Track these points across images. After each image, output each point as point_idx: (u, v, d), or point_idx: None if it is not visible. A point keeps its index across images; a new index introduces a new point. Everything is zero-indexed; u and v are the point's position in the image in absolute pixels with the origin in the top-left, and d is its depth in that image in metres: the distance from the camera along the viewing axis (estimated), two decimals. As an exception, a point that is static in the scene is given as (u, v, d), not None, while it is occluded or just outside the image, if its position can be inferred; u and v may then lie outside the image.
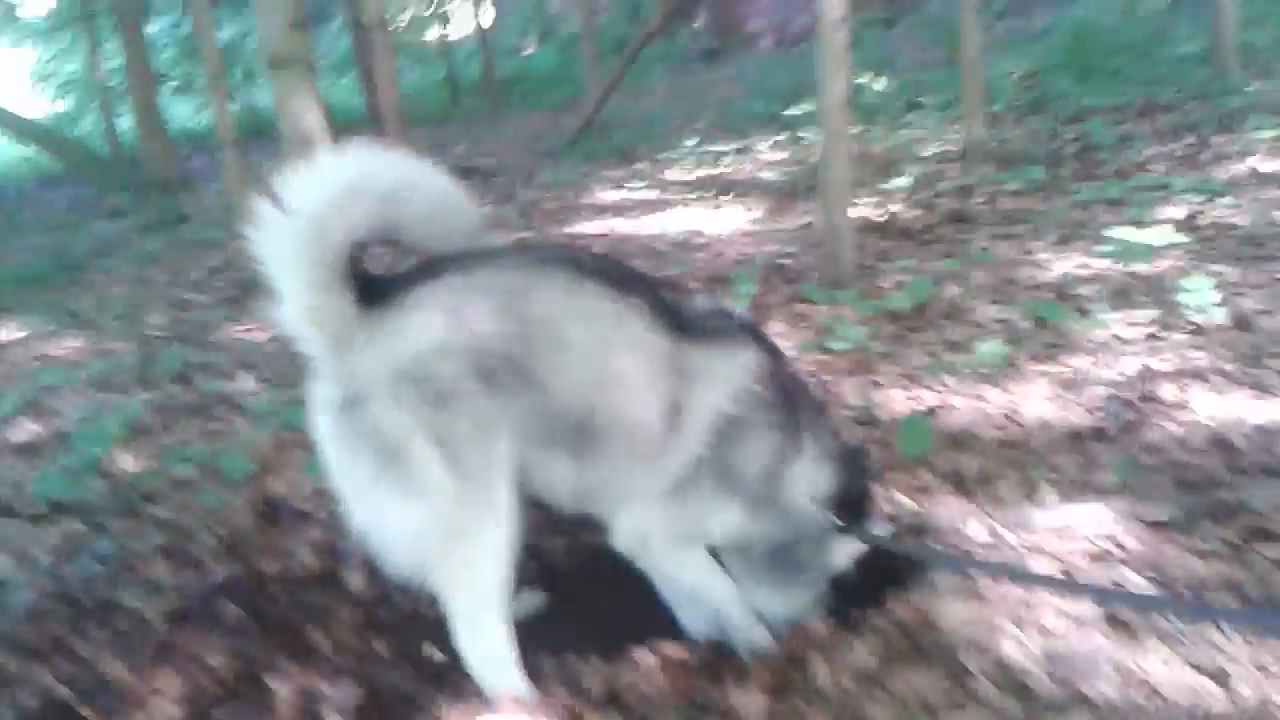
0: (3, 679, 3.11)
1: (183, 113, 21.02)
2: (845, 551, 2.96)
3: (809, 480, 2.88)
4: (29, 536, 4.11)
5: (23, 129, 16.35)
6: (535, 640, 2.90)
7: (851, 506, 2.93)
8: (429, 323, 2.53)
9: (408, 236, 2.67)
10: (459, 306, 2.54)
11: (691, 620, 3.00)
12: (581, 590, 3.26)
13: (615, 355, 2.65)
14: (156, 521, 4.02)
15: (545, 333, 2.58)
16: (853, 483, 2.96)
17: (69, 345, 7.25)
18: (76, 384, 6.02)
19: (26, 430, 5.49)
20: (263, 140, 12.58)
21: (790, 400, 2.87)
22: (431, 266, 2.63)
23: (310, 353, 2.57)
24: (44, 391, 5.99)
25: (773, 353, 2.93)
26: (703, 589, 2.94)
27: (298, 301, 2.48)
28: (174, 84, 21.00)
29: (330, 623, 3.15)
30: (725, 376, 2.75)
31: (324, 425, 2.58)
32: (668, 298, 2.78)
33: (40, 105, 22.49)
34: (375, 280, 2.59)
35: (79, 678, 3.06)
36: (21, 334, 7.76)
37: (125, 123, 17.57)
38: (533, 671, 2.78)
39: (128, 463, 4.74)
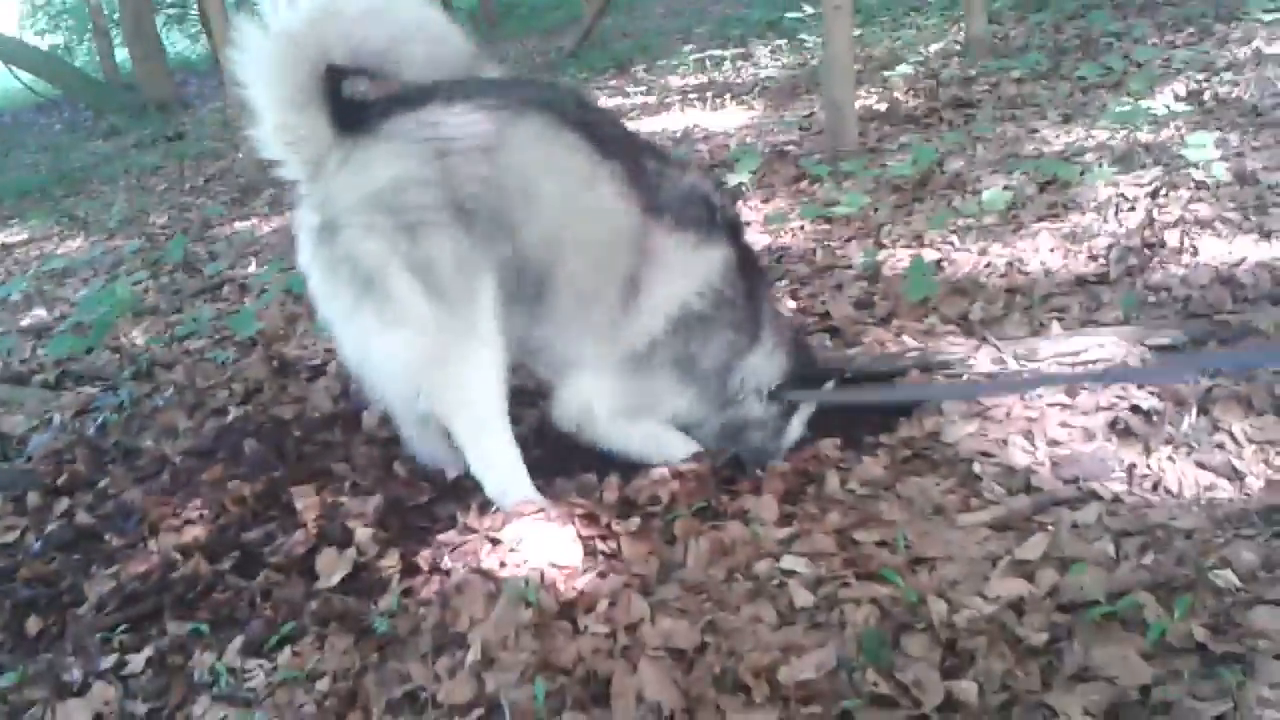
0: (30, 510, 3.18)
1: (178, 42, 20.80)
2: (797, 422, 3.04)
3: (762, 370, 2.95)
4: (45, 400, 4.15)
5: (19, 55, 16.20)
6: (554, 464, 2.98)
7: (804, 381, 3.00)
8: (404, 152, 2.51)
9: (389, 63, 2.61)
10: (436, 139, 2.52)
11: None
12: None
13: (579, 215, 2.66)
14: (170, 382, 4.06)
15: (516, 181, 2.57)
16: (803, 361, 3.04)
17: (72, 244, 7.27)
18: (83, 271, 6.04)
19: (34, 315, 5.53)
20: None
21: (752, 297, 2.91)
22: (411, 96, 2.59)
23: (289, 176, 2.58)
24: (49, 279, 6.03)
25: (744, 249, 2.94)
26: (653, 454, 2.95)
27: (273, 119, 2.48)
28: (169, 13, 20.72)
29: (349, 454, 3.20)
30: (691, 270, 2.78)
31: (305, 252, 2.60)
32: (652, 169, 2.76)
33: (31, 39, 22.20)
34: (355, 107, 2.57)
35: (103, 509, 3.12)
36: (24, 236, 7.78)
37: (121, 54, 17.45)
38: (550, 487, 2.85)
39: (137, 337, 4.78)
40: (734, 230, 2.93)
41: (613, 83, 10.58)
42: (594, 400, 2.86)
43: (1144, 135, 5.10)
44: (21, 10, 25.88)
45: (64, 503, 3.18)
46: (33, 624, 2.58)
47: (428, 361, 2.58)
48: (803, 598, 2.26)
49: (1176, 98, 5.63)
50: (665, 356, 2.83)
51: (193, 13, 20.82)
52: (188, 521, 2.93)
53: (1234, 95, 5.64)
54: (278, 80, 2.45)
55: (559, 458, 3.01)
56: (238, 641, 2.35)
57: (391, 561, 2.56)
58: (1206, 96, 5.68)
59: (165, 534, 2.87)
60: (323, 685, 2.17)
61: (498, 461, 2.72)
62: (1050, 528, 2.41)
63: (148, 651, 2.40)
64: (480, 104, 2.58)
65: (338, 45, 2.46)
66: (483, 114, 2.57)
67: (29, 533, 3.07)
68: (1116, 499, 2.49)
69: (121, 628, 2.50)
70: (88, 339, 4.41)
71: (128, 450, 3.45)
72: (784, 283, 4.22)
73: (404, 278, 2.50)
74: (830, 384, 3.03)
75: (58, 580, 2.77)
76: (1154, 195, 4.35)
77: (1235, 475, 2.49)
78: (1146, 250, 3.85)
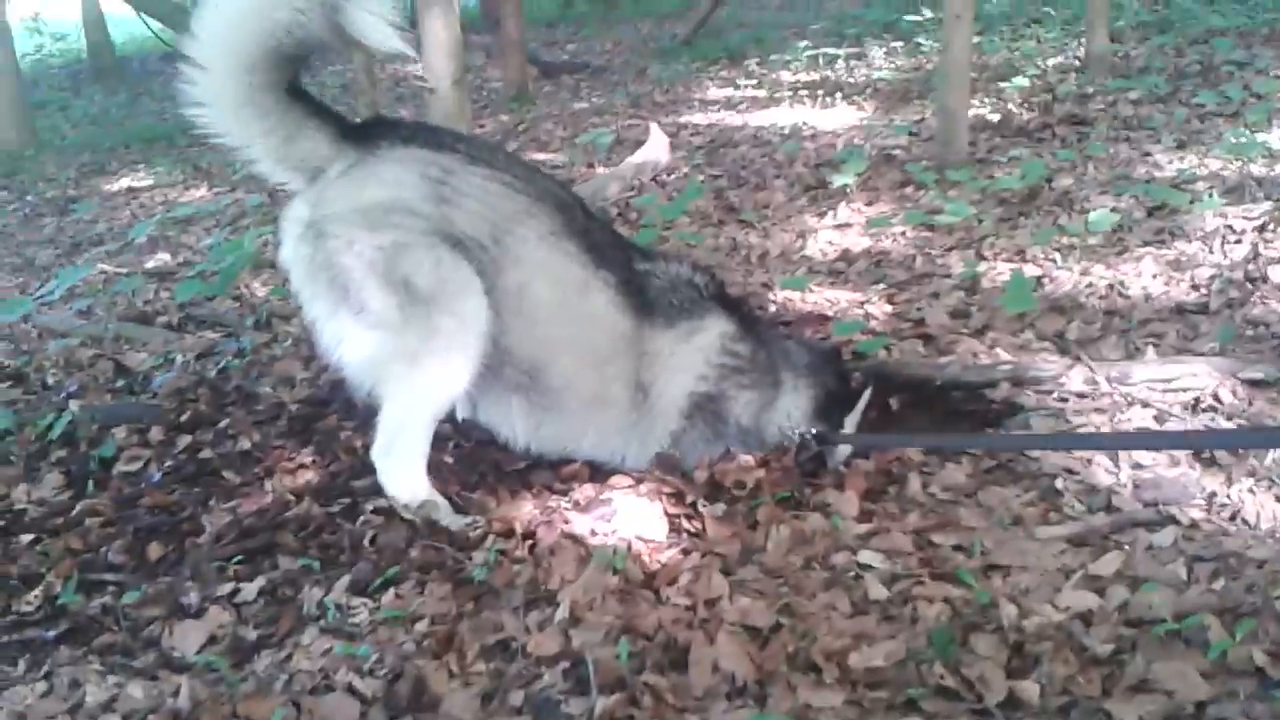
0: (153, 444, 3.39)
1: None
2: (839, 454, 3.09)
3: (793, 409, 3.01)
4: (168, 341, 4.40)
5: (150, 4, 16.71)
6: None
7: (837, 402, 3.06)
8: (406, 181, 2.66)
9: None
10: (443, 187, 2.66)
11: None
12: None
13: (575, 320, 2.81)
14: (288, 334, 4.27)
15: (513, 273, 2.71)
16: (835, 382, 3.10)
17: (195, 194, 7.59)
18: (206, 220, 6.32)
19: (159, 258, 5.81)
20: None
21: (762, 350, 3.00)
22: (429, 130, 2.79)
23: (279, 180, 2.79)
24: (175, 226, 6.32)
25: (737, 309, 3.05)
26: None
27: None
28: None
29: (453, 415, 3.36)
30: (691, 359, 2.90)
31: (287, 247, 2.75)
32: (641, 271, 2.90)
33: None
34: (362, 124, 2.76)
35: (223, 448, 3.32)
36: (149, 181, 8.12)
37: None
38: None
39: (257, 288, 5.02)
40: (722, 299, 3.04)
41: (724, 73, 10.65)
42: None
43: (1257, 168, 5.05)
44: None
45: (186, 439, 3.39)
46: (154, 549, 2.79)
47: (392, 360, 2.70)
48: (877, 591, 2.37)
49: (1296, 132, 5.56)
50: (692, 440, 2.96)
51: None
52: (301, 465, 3.13)
53: (1357, 135, 5.55)
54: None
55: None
56: (344, 580, 2.52)
57: (490, 518, 2.72)
58: (1328, 133, 5.60)
59: (281, 475, 3.07)
60: (421, 627, 2.33)
61: (405, 465, 2.79)
62: (1126, 547, 2.48)
63: (260, 582, 2.58)
64: (501, 175, 2.74)
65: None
66: (501, 187, 2.73)
67: (152, 464, 3.29)
68: (1194, 524, 2.54)
69: (237, 559, 2.69)
70: (213, 286, 4.64)
71: (247, 394, 3.66)
72: (881, 287, 4.29)
73: (379, 292, 2.64)
74: (866, 394, 3.10)
75: (178, 510, 2.98)
76: (1261, 229, 4.33)
77: (1312, 511, 2.53)
78: (1249, 284, 3.85)
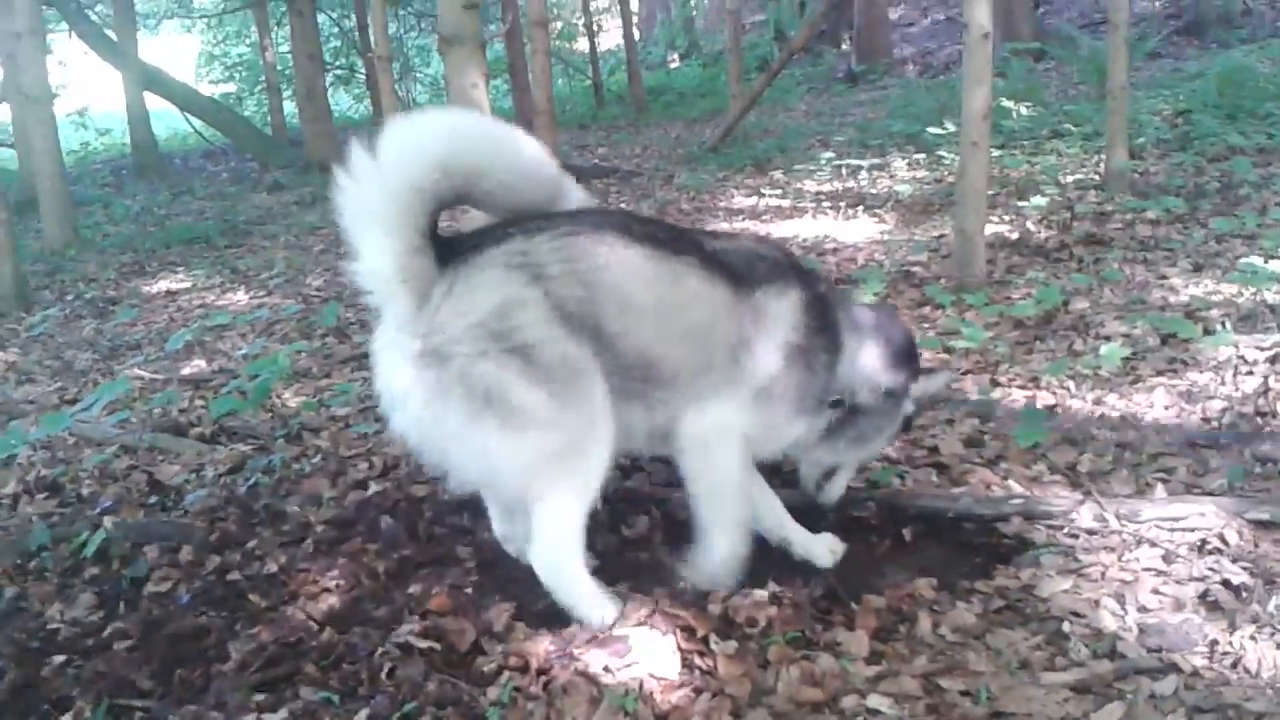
0: (182, 565, 3.49)
1: (342, 101, 21.94)
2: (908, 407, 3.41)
3: (852, 373, 3.23)
4: (200, 454, 4.52)
5: (191, 102, 17.29)
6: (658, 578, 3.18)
7: (903, 355, 3.33)
8: (504, 279, 2.74)
9: (492, 199, 2.87)
10: (528, 264, 2.75)
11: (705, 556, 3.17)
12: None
13: (677, 311, 2.92)
14: (317, 448, 4.39)
15: (609, 295, 2.82)
16: (897, 340, 3.34)
17: (231, 298, 7.79)
18: (241, 327, 6.50)
19: (195, 365, 5.97)
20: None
21: (831, 314, 3.18)
22: (495, 230, 2.85)
23: (388, 308, 2.76)
24: (211, 333, 6.49)
25: (810, 278, 3.21)
26: (726, 499, 3.10)
27: (390, 259, 2.66)
28: (337, 73, 21.88)
29: (474, 540, 3.45)
30: (784, 314, 3.04)
31: (403, 377, 2.75)
32: (715, 250, 3.05)
33: (205, 88, 23.64)
34: (446, 241, 2.81)
35: (250, 569, 3.41)
36: (188, 284, 8.35)
37: (289, 107, 18.53)
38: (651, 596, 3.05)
39: (289, 400, 5.16)
40: (797, 269, 3.21)
41: (749, 181, 10.88)
42: (730, 419, 3.04)
43: (1271, 295, 5.13)
44: (199, 57, 27.66)
45: (215, 559, 3.49)
46: (182, 674, 2.87)
47: (550, 458, 2.77)
48: (884, 737, 2.41)
49: (1311, 259, 5.64)
50: (782, 387, 3.05)
51: (359, 74, 21.99)
52: (325, 590, 3.21)
53: (1371, 262, 5.62)
54: (398, 222, 2.64)
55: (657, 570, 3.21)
56: (363, 714, 2.58)
57: (504, 653, 2.78)
58: (1342, 261, 5.68)
59: (305, 600, 3.15)
60: (437, 765, 2.39)
61: (566, 533, 2.87)
62: (1129, 695, 2.52)
63: (283, 714, 2.64)
64: (559, 231, 2.84)
65: (453, 186, 2.70)
66: (565, 239, 2.82)
67: (181, 585, 3.39)
68: (1196, 673, 2.58)
69: (260, 688, 2.76)
70: (247, 401, 4.78)
71: (275, 513, 3.77)
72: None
73: (524, 388, 2.70)
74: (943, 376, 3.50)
75: (205, 635, 3.06)
76: (1273, 360, 4.39)
77: (1314, 663, 2.57)
78: (1259, 418, 3.91)
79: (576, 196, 3.07)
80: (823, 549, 3.30)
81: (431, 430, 2.78)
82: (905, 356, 3.33)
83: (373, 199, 2.63)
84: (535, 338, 2.72)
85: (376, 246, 2.66)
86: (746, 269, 3.05)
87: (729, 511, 3.10)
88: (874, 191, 9.48)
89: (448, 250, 2.76)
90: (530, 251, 2.78)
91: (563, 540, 2.86)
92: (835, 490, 3.47)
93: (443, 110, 2.88)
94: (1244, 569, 2.98)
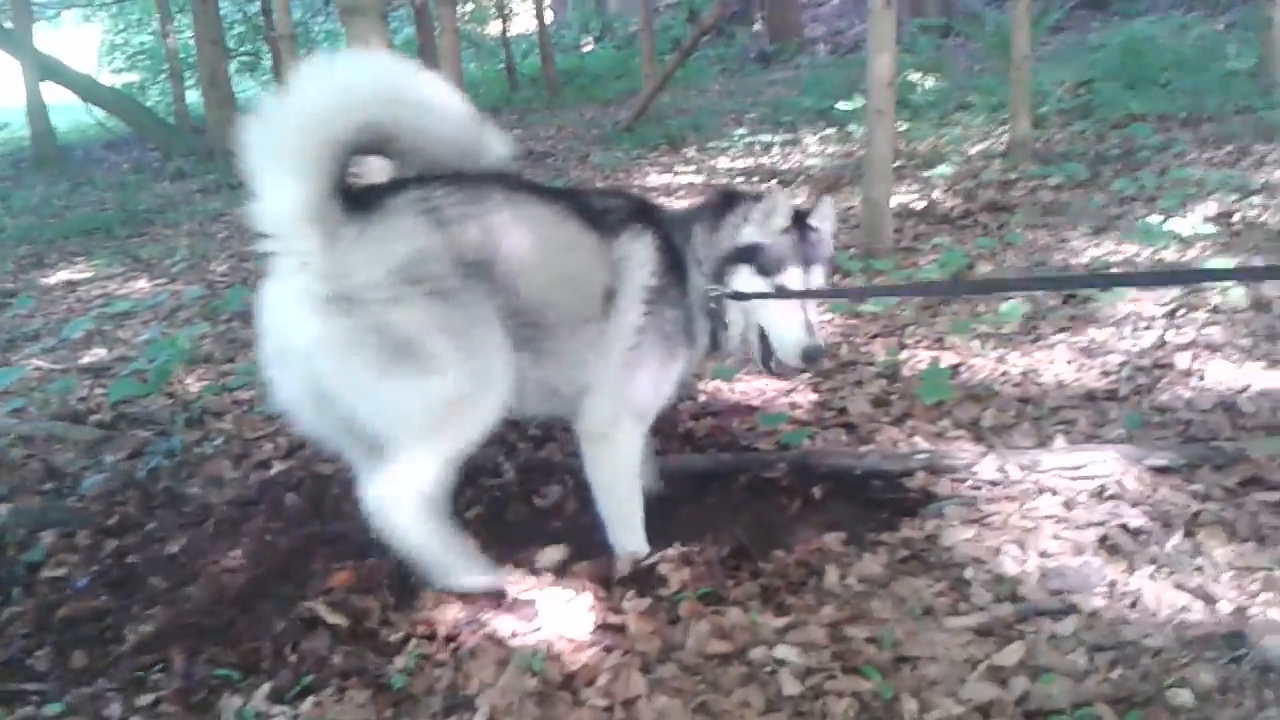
0: (79, 549, 3.39)
1: (247, 88, 21.45)
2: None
3: (697, 269, 3.16)
4: (99, 440, 4.39)
5: (92, 92, 16.78)
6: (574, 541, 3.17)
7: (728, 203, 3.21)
8: (416, 226, 2.72)
9: (407, 143, 2.82)
10: (436, 213, 2.76)
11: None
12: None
13: (560, 255, 2.95)
14: (220, 431, 4.29)
15: (503, 238, 2.83)
16: (717, 201, 3.25)
17: (134, 286, 7.59)
18: (143, 314, 6.33)
19: (94, 354, 5.81)
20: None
21: (672, 245, 3.13)
22: (396, 181, 2.87)
23: (288, 254, 2.66)
24: (111, 320, 6.32)
25: (655, 214, 3.19)
26: (618, 490, 3.12)
27: (297, 199, 2.58)
28: (242, 59, 21.40)
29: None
30: (643, 258, 3.03)
31: (311, 328, 2.64)
32: (581, 198, 3.09)
33: (107, 78, 22.97)
34: (356, 189, 2.79)
35: (149, 551, 3.33)
36: (89, 274, 8.12)
37: (192, 96, 18.09)
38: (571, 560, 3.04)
39: (191, 384, 5.03)
40: (646, 208, 3.20)
41: (663, 159, 10.87)
42: (618, 410, 3.05)
43: (1169, 254, 5.26)
44: (101, 47, 26.90)
45: (113, 543, 3.39)
46: (78, 658, 2.78)
47: (449, 405, 2.73)
48: (791, 686, 2.42)
49: (1206, 218, 5.78)
50: (648, 335, 3.03)
51: (265, 59, 21.52)
52: (226, 570, 3.14)
53: (1262, 220, 5.79)
54: (306, 158, 2.57)
55: (579, 535, 3.20)
56: (265, 688, 2.53)
57: (412, 623, 2.75)
58: (1235, 219, 5.84)
59: (206, 580, 3.08)
60: (340, 735, 2.35)
61: (421, 478, 2.79)
62: (1030, 636, 2.56)
63: (177, 691, 2.58)
64: (454, 180, 2.85)
65: (353, 127, 2.64)
66: (461, 188, 2.84)
67: (78, 569, 3.29)
68: (1095, 613, 2.63)
69: (158, 666, 2.69)
70: (147, 385, 4.65)
71: (176, 496, 3.67)
72: (806, 376, 4.40)
73: (438, 339, 2.68)
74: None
75: (103, 617, 2.98)
76: (1171, 315, 4.50)
77: (1208, 599, 2.63)
78: (1156, 370, 4.00)
79: (497, 144, 3.01)
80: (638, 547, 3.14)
81: (339, 382, 2.68)
82: (717, 223, 3.18)
83: (281, 137, 2.56)
84: (446, 285, 2.70)
85: (282, 186, 2.58)
86: (613, 217, 3.06)
87: (618, 506, 3.13)
88: (786, 166, 9.53)
89: (352, 200, 2.70)
90: (431, 198, 2.77)
91: (420, 487, 2.77)
92: (789, 345, 3.09)
93: (354, 52, 2.82)
94: (1143, 513, 3.05)
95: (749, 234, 3.12)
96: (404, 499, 2.75)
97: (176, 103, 18.21)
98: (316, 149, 2.58)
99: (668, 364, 3.10)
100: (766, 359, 3.19)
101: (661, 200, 8.58)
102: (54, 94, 16.36)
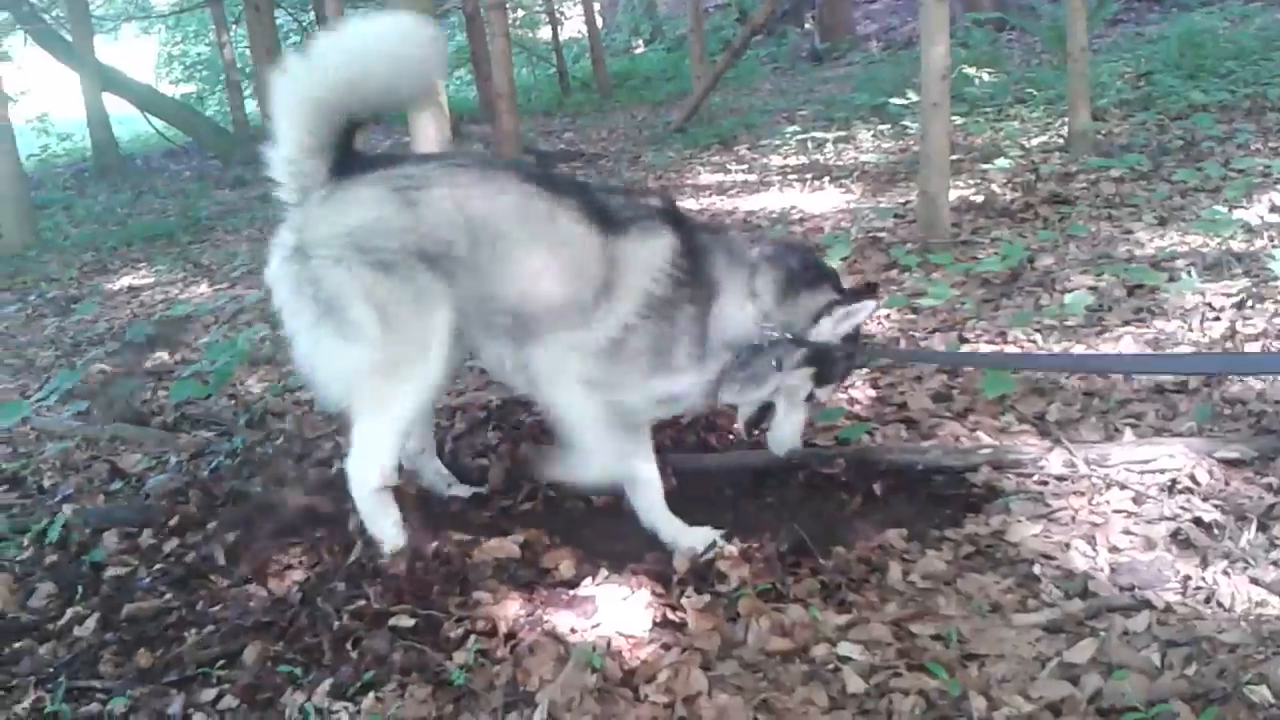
0: (142, 549, 3.43)
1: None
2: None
3: (745, 309, 3.10)
4: (163, 441, 4.45)
5: (152, 102, 17.11)
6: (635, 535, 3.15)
7: (793, 293, 3.13)
8: (381, 199, 2.89)
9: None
10: (411, 191, 2.90)
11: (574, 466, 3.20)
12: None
13: (545, 249, 2.98)
14: (281, 431, 4.33)
15: (486, 227, 2.91)
16: (799, 267, 3.18)
17: (195, 290, 7.69)
18: (206, 319, 6.41)
19: (156, 358, 5.89)
20: (382, 124, 13.02)
21: (703, 262, 3.08)
22: (394, 156, 3.04)
23: (284, 199, 2.97)
24: (173, 325, 6.40)
25: (684, 224, 3.13)
26: (584, 434, 3.09)
27: (288, 153, 2.88)
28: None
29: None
30: (648, 262, 3.00)
31: (274, 266, 2.96)
32: (598, 196, 3.09)
33: (165, 89, 23.37)
34: (354, 157, 2.98)
35: (211, 549, 3.35)
36: (150, 280, 8.25)
37: (251, 105, 18.36)
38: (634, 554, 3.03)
39: (252, 385, 5.09)
40: (672, 215, 3.14)
41: (716, 158, 10.82)
42: (569, 359, 3.01)
43: (1237, 244, 5.13)
44: (158, 59, 27.36)
45: (174, 542, 3.43)
46: (141, 656, 2.80)
47: (366, 374, 2.91)
48: (855, 684, 2.39)
49: (1273, 208, 5.64)
50: (640, 335, 3.00)
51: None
52: (289, 567, 3.16)
53: (1333, 208, 5.64)
54: (301, 115, 2.85)
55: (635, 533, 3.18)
56: (326, 684, 2.54)
57: (472, 619, 2.74)
58: (1304, 207, 5.70)
59: (267, 577, 3.10)
60: (402, 731, 2.35)
61: (375, 449, 3.01)
62: (1101, 633, 2.50)
63: (242, 688, 2.59)
64: (450, 162, 3.02)
65: (354, 101, 2.89)
66: (454, 169, 3.01)
67: (141, 568, 3.33)
68: (1168, 609, 2.56)
69: (220, 663, 2.71)
70: (208, 387, 4.71)
71: (238, 495, 3.70)
72: (864, 370, 4.34)
73: (362, 307, 2.85)
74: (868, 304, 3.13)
75: (165, 615, 3.00)
76: (1240, 306, 4.39)
77: (1285, 592, 2.55)
78: (1227, 362, 3.90)
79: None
80: (692, 542, 3.08)
81: (289, 321, 2.99)
82: (796, 294, 3.13)
83: (279, 93, 2.84)
84: (392, 260, 2.85)
85: (280, 136, 2.88)
86: (621, 214, 3.05)
87: (587, 445, 3.11)
88: (839, 163, 9.45)
89: (346, 164, 2.92)
90: (416, 176, 2.94)
91: (370, 460, 2.99)
92: (783, 438, 3.26)
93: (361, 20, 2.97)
94: (1215, 507, 2.98)
95: (825, 332, 3.10)
96: (366, 470, 3.00)
97: (234, 111, 18.49)
98: (301, 104, 2.84)
99: (649, 378, 3.05)
100: (753, 425, 3.32)
101: (715, 198, 8.58)
102: (115, 105, 16.69)
